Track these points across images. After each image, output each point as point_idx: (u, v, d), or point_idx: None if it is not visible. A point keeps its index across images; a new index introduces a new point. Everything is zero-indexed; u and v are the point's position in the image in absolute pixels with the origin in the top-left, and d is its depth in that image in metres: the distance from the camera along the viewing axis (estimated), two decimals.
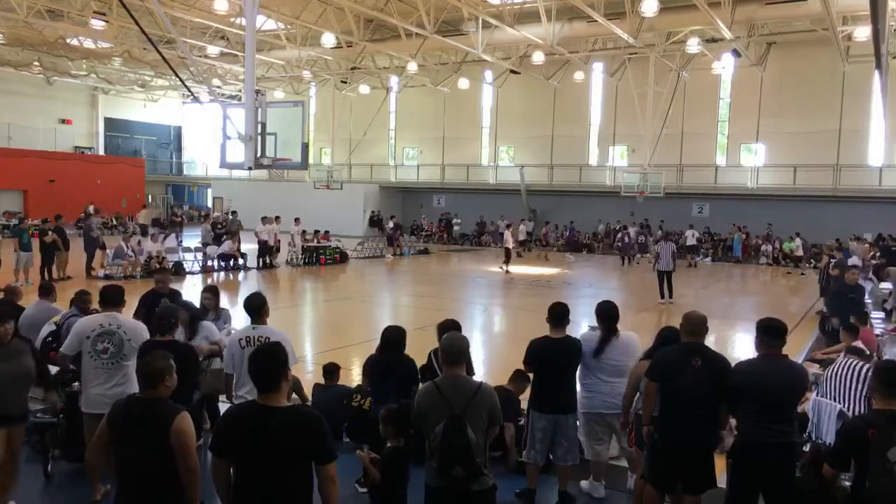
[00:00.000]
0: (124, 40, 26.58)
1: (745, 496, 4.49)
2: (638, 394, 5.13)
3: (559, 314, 5.47)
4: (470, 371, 5.52)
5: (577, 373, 5.58)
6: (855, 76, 25.89)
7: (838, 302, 9.56)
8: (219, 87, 34.49)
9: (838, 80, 26.72)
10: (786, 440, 4.42)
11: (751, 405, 4.42)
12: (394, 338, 5.62)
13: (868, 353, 7.12)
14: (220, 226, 24.10)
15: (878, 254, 20.59)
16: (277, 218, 23.19)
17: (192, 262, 20.53)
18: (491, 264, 24.76)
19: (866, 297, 15.29)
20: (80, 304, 7.19)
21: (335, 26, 23.71)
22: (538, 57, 25.42)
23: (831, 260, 15.49)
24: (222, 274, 20.27)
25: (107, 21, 23.11)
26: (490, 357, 10.79)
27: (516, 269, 22.66)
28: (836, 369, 6.26)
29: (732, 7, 20.13)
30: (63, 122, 38.98)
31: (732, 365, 4.76)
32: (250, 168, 8.14)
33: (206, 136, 40.81)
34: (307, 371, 8.98)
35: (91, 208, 30.67)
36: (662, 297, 16.24)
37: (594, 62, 30.00)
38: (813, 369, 8.08)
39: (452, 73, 31.39)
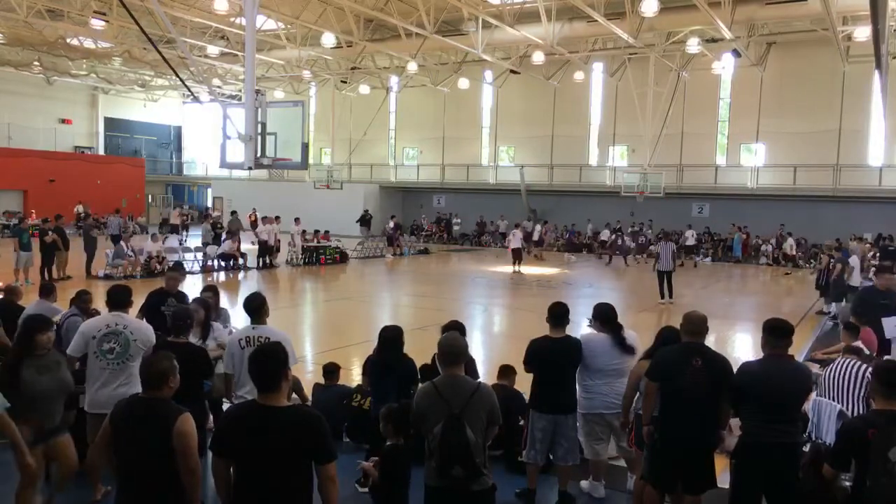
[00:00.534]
0: (124, 40, 26.57)
1: (748, 496, 4.48)
2: (638, 394, 5.13)
3: (559, 314, 5.47)
4: (474, 375, 5.54)
5: (577, 374, 5.58)
6: (855, 76, 25.89)
7: (868, 309, 9.12)
8: (219, 87, 34.50)
9: (838, 80, 26.72)
10: (790, 440, 4.42)
11: (756, 405, 4.42)
12: (391, 337, 5.61)
13: (867, 353, 7.12)
14: (220, 225, 24.12)
15: (877, 254, 20.59)
16: (277, 218, 23.20)
17: (192, 261, 20.54)
18: (491, 264, 24.77)
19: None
20: (81, 304, 7.18)
21: (335, 26, 23.71)
22: (538, 57, 25.42)
23: (831, 260, 15.51)
24: (222, 274, 20.28)
25: (107, 21, 23.11)
26: (490, 357, 10.78)
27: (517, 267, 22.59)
28: (835, 369, 6.26)
29: (732, 7, 20.13)
30: (63, 122, 38.99)
31: (733, 365, 4.76)
32: (250, 168, 8.14)
33: (206, 136, 40.81)
34: (307, 371, 8.99)
35: (80, 208, 30.66)
36: (662, 297, 16.23)
37: (594, 62, 30.00)
38: (813, 369, 8.08)
39: (452, 73, 31.38)
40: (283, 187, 34.10)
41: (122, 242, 18.85)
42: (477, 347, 11.41)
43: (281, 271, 21.54)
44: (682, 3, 20.30)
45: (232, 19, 23.74)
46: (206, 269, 20.37)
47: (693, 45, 24.05)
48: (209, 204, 41.64)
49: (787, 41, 27.01)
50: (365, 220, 32.68)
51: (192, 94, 15.39)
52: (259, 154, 8.01)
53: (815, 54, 26.50)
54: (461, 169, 35.36)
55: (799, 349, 10.53)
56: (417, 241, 32.23)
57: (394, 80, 33.66)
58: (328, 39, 24.34)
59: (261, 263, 21.59)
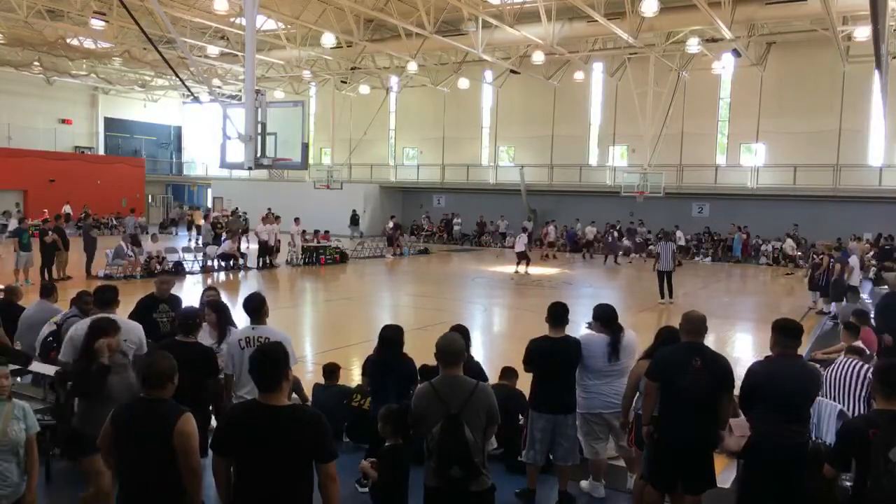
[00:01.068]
0: (124, 40, 26.56)
1: (756, 496, 4.47)
2: (637, 393, 5.13)
3: (558, 314, 5.47)
4: (482, 377, 5.53)
5: (577, 374, 5.58)
6: (855, 76, 25.89)
7: (892, 316, 8.79)
8: (219, 87, 34.49)
9: (838, 80, 26.71)
10: (801, 440, 4.41)
11: (767, 405, 4.40)
12: (391, 336, 5.60)
13: (868, 353, 7.12)
14: (220, 225, 24.12)
15: (874, 254, 20.64)
16: (277, 218, 23.20)
17: (191, 261, 20.54)
18: (491, 264, 24.78)
19: (866, 297, 15.35)
20: (81, 304, 7.18)
21: (335, 26, 23.71)
22: (538, 57, 25.40)
23: (831, 260, 15.51)
24: (222, 274, 20.27)
25: (107, 21, 23.10)
26: (491, 357, 10.78)
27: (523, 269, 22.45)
28: (836, 369, 6.26)
29: (732, 7, 20.12)
30: (63, 122, 38.97)
31: (733, 365, 4.76)
32: (250, 168, 8.13)
33: (206, 136, 40.79)
34: (307, 371, 8.99)
35: (67, 209, 30.68)
36: (662, 297, 16.23)
37: (594, 62, 30.00)
38: None
39: (452, 73, 31.37)
40: (283, 187, 34.09)
41: (122, 242, 18.84)
42: (477, 348, 11.40)
43: (281, 271, 21.53)
44: (682, 3, 20.29)
45: (232, 19, 23.73)
46: (206, 270, 20.37)
47: (693, 45, 24.05)
48: (209, 204, 41.67)
49: (787, 41, 27.00)
50: (355, 220, 32.81)
51: (192, 94, 15.39)
52: (259, 154, 8.00)
53: (815, 54, 26.49)
54: (461, 169, 35.35)
55: (798, 349, 10.53)
56: (417, 241, 32.24)
57: (394, 80, 33.64)
58: (328, 39, 24.33)
59: (261, 263, 21.59)
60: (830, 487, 4.04)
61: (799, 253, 26.01)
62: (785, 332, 4.50)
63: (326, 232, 26.45)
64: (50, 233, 16.92)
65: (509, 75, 30.81)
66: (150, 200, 41.17)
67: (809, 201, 27.40)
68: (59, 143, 38.11)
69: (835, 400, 6.05)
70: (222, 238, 22.09)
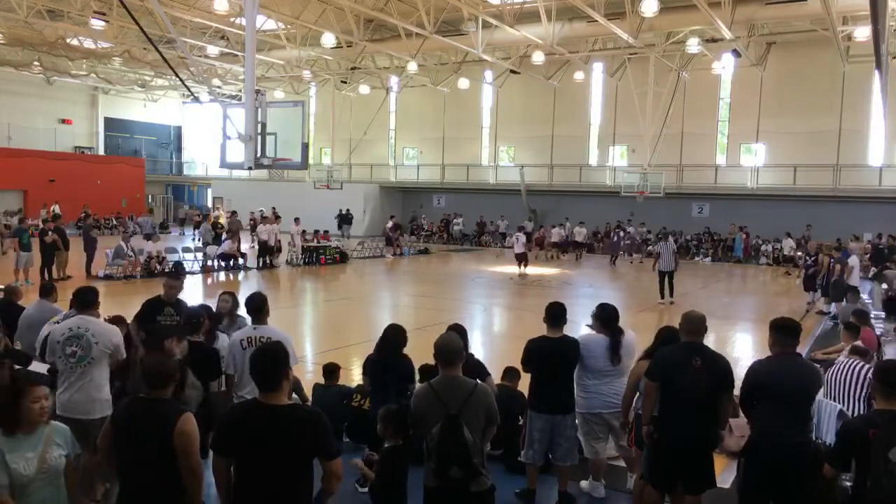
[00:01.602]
0: (124, 40, 26.56)
1: (757, 496, 4.47)
2: (637, 393, 5.13)
3: (556, 314, 5.46)
4: (483, 374, 5.53)
5: (576, 374, 5.58)
6: (855, 76, 25.88)
7: None
8: (219, 87, 34.49)
9: (838, 80, 26.71)
10: (802, 440, 4.40)
11: (767, 405, 4.40)
12: (391, 336, 5.60)
13: (871, 353, 7.12)
14: (220, 225, 24.12)
15: (870, 255, 20.65)
16: (278, 217, 23.19)
17: (192, 261, 20.54)
18: (491, 264, 24.77)
19: (866, 296, 15.36)
20: None
21: (335, 26, 23.71)
22: (538, 57, 25.40)
23: (832, 260, 15.52)
24: (222, 274, 20.27)
25: (107, 21, 23.10)
26: (490, 357, 10.77)
27: (517, 270, 22.47)
28: (838, 370, 6.25)
29: (732, 7, 20.13)
30: (63, 122, 38.95)
31: (732, 365, 4.76)
32: (250, 168, 8.13)
33: (206, 136, 40.77)
34: (307, 371, 8.99)
35: (56, 208, 30.69)
36: (662, 297, 16.21)
37: (594, 62, 30.00)
38: None
39: (452, 73, 31.37)
40: (283, 187, 34.10)
41: (122, 242, 18.83)
42: (478, 348, 11.40)
43: (281, 271, 21.53)
44: (682, 3, 20.30)
45: (232, 19, 23.74)
46: (206, 270, 20.37)
47: (693, 45, 24.06)
48: (209, 204, 41.67)
49: (787, 41, 27.00)
50: (346, 219, 32.81)
51: (192, 94, 15.37)
52: (259, 154, 8.00)
53: (815, 54, 26.49)
54: (461, 169, 35.35)
55: (798, 349, 10.53)
56: (417, 241, 32.25)
57: (394, 80, 33.65)
58: (328, 39, 24.33)
59: (261, 263, 21.59)
60: (830, 487, 4.04)
61: (799, 253, 25.96)
62: (783, 331, 4.49)
63: (326, 232, 26.44)
64: (50, 233, 16.92)
65: (509, 75, 30.82)
66: (150, 200, 41.17)
67: (809, 201, 27.39)
68: (59, 143, 38.09)
69: (835, 400, 6.05)
70: (222, 238, 22.09)
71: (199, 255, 21.03)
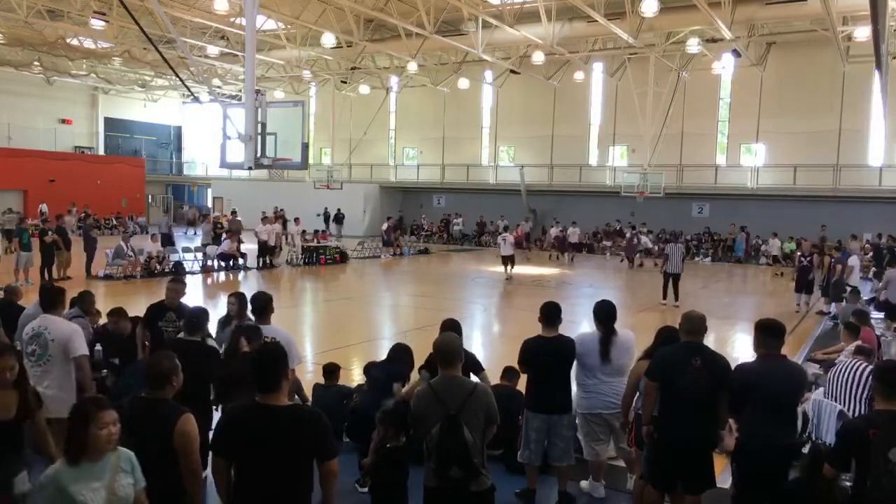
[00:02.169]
0: (124, 40, 26.57)
1: (751, 497, 4.47)
2: (637, 393, 5.12)
3: (551, 313, 5.45)
4: (477, 368, 5.55)
5: (575, 374, 5.57)
6: (855, 76, 25.89)
7: None
8: (219, 87, 34.50)
9: (838, 80, 26.71)
10: (788, 441, 4.42)
11: (754, 406, 4.41)
12: (395, 355, 5.76)
13: (874, 353, 7.11)
14: (220, 225, 24.11)
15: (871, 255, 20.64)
16: (278, 218, 23.19)
17: (192, 261, 20.53)
18: (491, 264, 24.72)
19: (866, 296, 15.35)
20: (83, 305, 7.17)
21: (335, 26, 23.71)
22: (538, 57, 25.41)
23: (832, 260, 15.52)
24: (222, 274, 20.26)
25: (107, 21, 23.10)
26: (490, 357, 10.78)
27: (518, 269, 22.25)
28: (839, 370, 6.25)
29: (732, 7, 20.13)
30: (63, 122, 38.97)
31: (732, 365, 4.75)
32: (250, 168, 8.14)
33: (206, 136, 40.78)
34: (307, 371, 8.98)
35: (44, 207, 30.68)
36: (664, 298, 16.14)
37: (594, 62, 30.01)
38: (812, 369, 8.09)
39: (452, 73, 31.38)
40: (283, 187, 34.10)
41: (122, 242, 18.82)
42: (477, 348, 11.40)
43: (281, 271, 21.53)
44: (682, 3, 20.30)
45: (232, 19, 23.74)
46: (205, 270, 20.36)
47: (693, 45, 24.06)
48: (209, 204, 41.67)
49: (787, 41, 27.00)
50: (338, 219, 32.78)
51: (192, 94, 15.37)
52: (259, 154, 8.01)
53: (815, 54, 26.49)
54: (461, 169, 35.36)
55: (799, 349, 10.53)
56: (417, 241, 32.24)
57: (394, 80, 33.66)
58: (328, 39, 24.33)
59: (261, 263, 21.59)
60: (830, 487, 4.04)
61: (799, 253, 25.90)
62: (767, 332, 4.49)
63: (326, 232, 26.45)
64: (50, 233, 16.91)
65: (509, 75, 30.82)
66: (149, 200, 41.17)
67: (809, 201, 27.39)
68: (59, 143, 38.10)
69: (838, 400, 6.05)
70: (222, 238, 22.08)
71: (199, 255, 21.03)
